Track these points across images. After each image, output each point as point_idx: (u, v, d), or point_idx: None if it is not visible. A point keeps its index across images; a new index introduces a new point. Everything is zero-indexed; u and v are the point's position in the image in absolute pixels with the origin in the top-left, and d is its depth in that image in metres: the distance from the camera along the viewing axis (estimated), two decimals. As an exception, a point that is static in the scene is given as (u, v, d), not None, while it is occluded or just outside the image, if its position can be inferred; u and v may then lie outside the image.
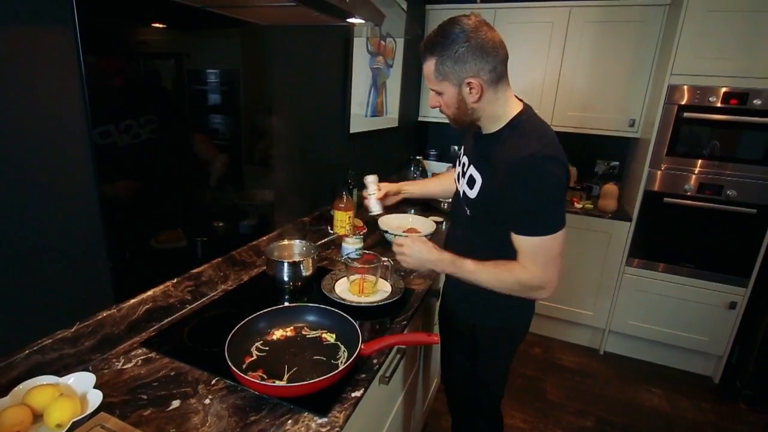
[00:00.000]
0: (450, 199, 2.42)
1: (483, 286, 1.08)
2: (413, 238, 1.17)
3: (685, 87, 2.14)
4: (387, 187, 1.49)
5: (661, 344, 2.50)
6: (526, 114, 1.06)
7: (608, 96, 2.51)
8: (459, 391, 1.42)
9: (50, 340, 0.86)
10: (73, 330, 0.90)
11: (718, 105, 2.10)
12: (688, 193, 2.25)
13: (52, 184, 0.83)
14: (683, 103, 2.16)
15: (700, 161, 2.22)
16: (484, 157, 1.08)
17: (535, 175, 0.96)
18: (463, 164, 1.20)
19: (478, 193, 1.09)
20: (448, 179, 1.50)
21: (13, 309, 0.80)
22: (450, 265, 1.12)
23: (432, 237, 1.78)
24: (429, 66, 1.01)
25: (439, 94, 1.04)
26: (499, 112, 1.05)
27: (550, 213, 0.99)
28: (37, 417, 0.75)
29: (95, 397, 0.79)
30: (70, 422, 0.72)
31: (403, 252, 1.15)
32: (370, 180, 1.46)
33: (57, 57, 0.81)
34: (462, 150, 1.26)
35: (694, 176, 2.23)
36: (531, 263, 1.02)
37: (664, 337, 2.47)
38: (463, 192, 1.16)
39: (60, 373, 0.86)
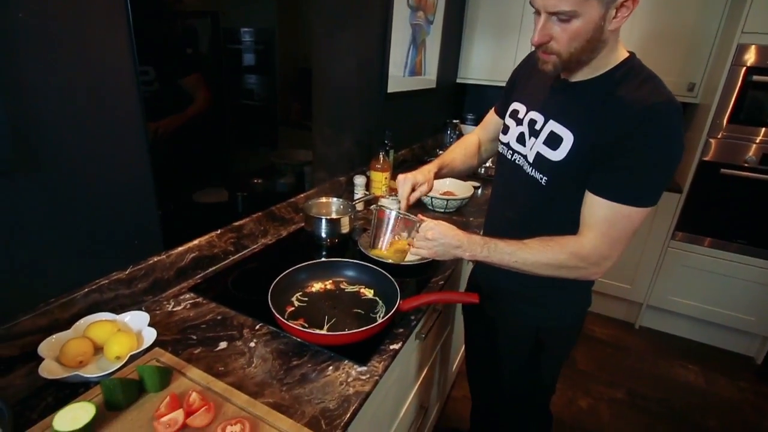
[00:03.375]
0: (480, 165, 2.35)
1: (521, 268, 0.91)
2: (436, 221, 0.98)
3: (756, 47, 1.95)
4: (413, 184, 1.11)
5: (702, 321, 2.42)
6: (638, 59, 0.86)
7: (666, 56, 2.31)
8: (510, 396, 1.21)
9: (107, 281, 0.91)
10: (127, 272, 0.94)
11: (793, 67, 1.91)
12: (748, 165, 2.09)
13: (106, 133, 0.86)
14: (752, 64, 1.97)
15: (763, 130, 2.05)
16: (580, 107, 0.87)
17: (668, 128, 0.77)
18: (531, 122, 0.96)
19: (569, 153, 0.86)
20: (470, 148, 1.26)
21: (73, 250, 0.85)
22: (481, 248, 0.93)
23: (467, 204, 1.76)
24: None
25: (567, 21, 0.76)
26: (613, 52, 0.84)
27: (658, 182, 0.81)
28: (98, 349, 0.80)
29: (150, 334, 0.83)
30: (128, 355, 0.77)
31: (431, 237, 0.95)
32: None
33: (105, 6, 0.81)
34: (518, 107, 1.02)
35: (755, 146, 2.07)
36: (599, 234, 0.84)
37: (706, 315, 2.39)
38: (536, 156, 0.93)
39: (116, 311, 0.91)
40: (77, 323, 0.84)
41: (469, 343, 1.33)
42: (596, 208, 0.84)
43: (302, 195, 1.53)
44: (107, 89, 0.84)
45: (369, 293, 1.07)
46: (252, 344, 0.88)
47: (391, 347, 0.90)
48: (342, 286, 1.09)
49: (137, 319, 0.88)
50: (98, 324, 0.83)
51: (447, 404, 1.91)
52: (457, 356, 1.93)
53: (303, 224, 1.41)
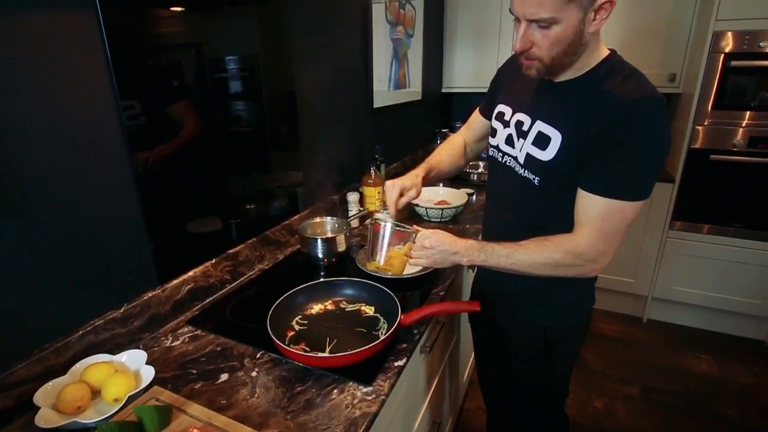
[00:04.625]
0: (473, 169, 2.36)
1: (519, 270, 0.90)
2: (432, 230, 0.98)
3: (731, 33, 1.98)
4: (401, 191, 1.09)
5: (709, 309, 2.40)
6: (618, 55, 0.88)
7: (645, 50, 2.34)
8: (524, 401, 1.19)
9: (101, 321, 0.89)
10: (122, 311, 0.93)
11: (770, 50, 1.94)
12: (737, 149, 2.10)
13: (91, 171, 0.85)
14: (730, 50, 2.00)
15: (749, 113, 2.06)
16: (565, 107, 0.87)
17: (654, 121, 0.78)
18: (518, 123, 0.96)
19: (558, 151, 0.87)
20: (456, 150, 1.27)
21: (65, 293, 0.83)
22: (479, 252, 0.93)
23: (462, 212, 1.75)
24: None
25: (547, 27, 0.77)
26: (595, 51, 0.85)
27: (648, 175, 0.82)
28: (95, 393, 0.78)
29: (148, 373, 0.82)
30: (127, 396, 0.75)
31: (429, 246, 0.95)
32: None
33: (82, 42, 0.81)
34: (504, 109, 1.03)
35: (742, 130, 2.08)
36: (593, 230, 0.84)
37: (712, 302, 2.37)
38: (526, 157, 0.93)
39: (113, 351, 0.89)
40: (73, 367, 0.82)
41: (479, 351, 1.31)
42: (589, 205, 0.85)
43: (296, 217, 1.52)
44: (89, 128, 0.84)
45: (370, 310, 1.05)
46: (254, 374, 0.86)
47: (396, 364, 0.88)
48: (342, 306, 1.08)
49: (134, 358, 0.86)
50: (94, 366, 0.81)
51: (461, 417, 1.87)
52: (467, 366, 1.90)
53: (299, 246, 1.40)
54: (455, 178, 2.24)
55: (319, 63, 1.58)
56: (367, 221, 1.13)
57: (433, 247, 0.95)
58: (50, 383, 0.78)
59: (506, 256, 0.91)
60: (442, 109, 3.10)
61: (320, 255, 1.31)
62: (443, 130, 2.81)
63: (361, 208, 1.69)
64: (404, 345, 0.94)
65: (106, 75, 0.85)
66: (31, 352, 0.78)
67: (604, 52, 0.87)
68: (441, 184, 2.09)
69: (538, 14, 0.76)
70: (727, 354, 2.26)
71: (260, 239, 1.34)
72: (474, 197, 2.02)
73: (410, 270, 1.23)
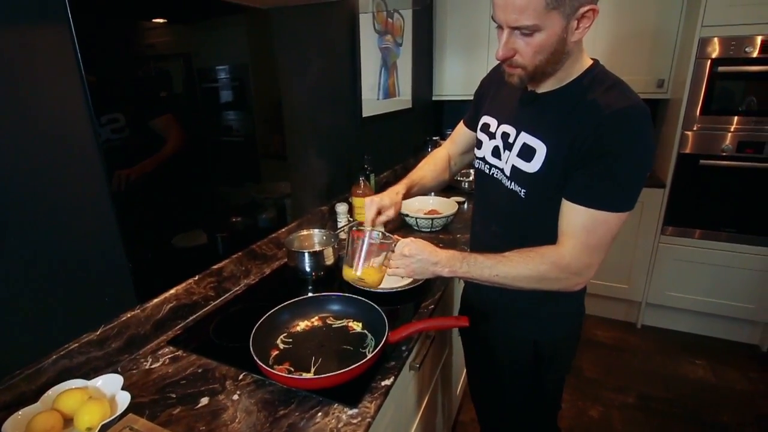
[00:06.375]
0: (465, 179, 2.34)
1: (503, 282, 0.88)
2: (411, 238, 0.94)
3: (718, 39, 1.99)
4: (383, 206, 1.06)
5: (703, 314, 2.39)
6: (602, 66, 0.87)
7: (633, 56, 2.35)
8: (515, 415, 1.16)
9: (76, 344, 0.85)
10: (98, 333, 0.89)
11: (756, 55, 1.95)
12: (725, 153, 2.11)
13: (63, 189, 0.82)
14: (716, 56, 2.01)
15: (737, 118, 2.07)
16: (549, 118, 0.86)
17: (638, 132, 0.77)
18: (504, 135, 0.95)
19: (544, 163, 0.85)
20: (440, 164, 1.26)
21: (37, 316, 0.80)
22: (461, 263, 0.90)
23: (452, 221, 1.73)
24: None
25: (530, 35, 0.76)
26: (578, 61, 0.84)
27: (632, 186, 0.81)
28: (68, 421, 0.75)
29: (124, 399, 0.78)
30: (100, 425, 0.72)
31: (408, 254, 0.91)
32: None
33: (54, 56, 0.79)
34: (489, 120, 1.01)
35: (730, 135, 2.09)
36: (579, 243, 0.83)
37: (705, 307, 2.36)
38: (512, 169, 0.92)
39: (89, 375, 0.85)
40: (45, 395, 0.78)
41: (469, 364, 1.29)
42: (573, 216, 0.83)
43: (284, 229, 1.49)
44: (62, 145, 0.81)
45: (357, 326, 1.02)
46: (235, 397, 0.83)
47: (383, 383, 0.85)
48: (329, 322, 1.05)
49: (110, 383, 0.82)
50: (67, 393, 0.77)
51: (455, 430, 1.84)
52: (461, 378, 1.87)
53: (286, 260, 1.37)
54: (446, 187, 2.21)
55: (307, 73, 1.56)
56: (346, 228, 1.09)
57: (413, 256, 0.91)
58: (20, 412, 0.74)
59: (489, 267, 0.88)
60: (432, 117, 3.09)
61: (307, 269, 1.28)
62: (434, 138, 2.79)
63: (351, 219, 1.67)
64: (392, 363, 0.91)
65: (80, 90, 0.83)
66: (1, 379, 0.75)
67: (587, 62, 0.86)
68: (432, 193, 2.07)
69: (520, 21, 0.74)
70: (722, 359, 2.25)
71: (246, 253, 1.31)
72: (465, 205, 2.01)
73: (397, 282, 1.21)
